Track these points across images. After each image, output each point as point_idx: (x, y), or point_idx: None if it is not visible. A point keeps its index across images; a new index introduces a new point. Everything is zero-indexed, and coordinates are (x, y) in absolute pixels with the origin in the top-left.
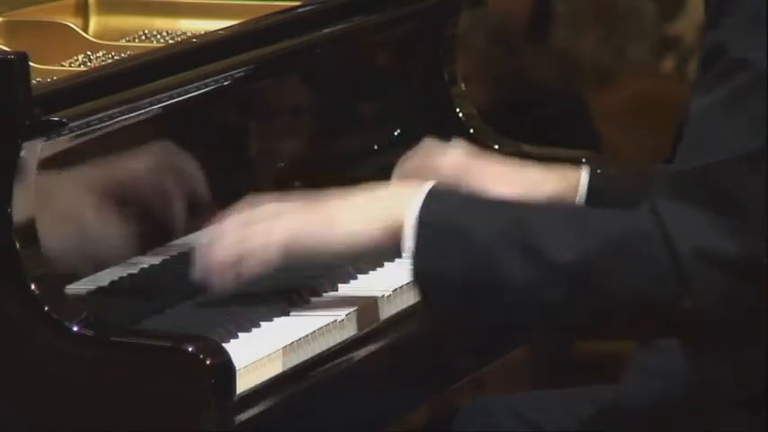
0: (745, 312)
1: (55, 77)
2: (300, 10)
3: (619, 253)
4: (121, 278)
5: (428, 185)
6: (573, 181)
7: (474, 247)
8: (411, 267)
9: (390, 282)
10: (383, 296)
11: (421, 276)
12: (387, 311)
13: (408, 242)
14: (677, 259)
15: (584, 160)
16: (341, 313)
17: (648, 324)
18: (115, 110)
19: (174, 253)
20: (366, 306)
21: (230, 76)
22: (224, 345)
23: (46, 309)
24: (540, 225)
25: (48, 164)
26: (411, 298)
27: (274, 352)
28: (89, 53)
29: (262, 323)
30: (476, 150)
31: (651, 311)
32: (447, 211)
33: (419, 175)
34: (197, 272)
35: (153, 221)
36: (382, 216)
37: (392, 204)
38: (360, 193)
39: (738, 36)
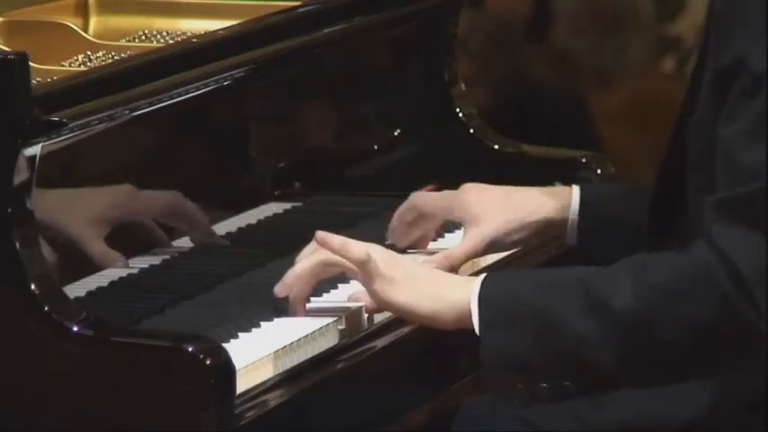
0: None
1: (55, 77)
2: (300, 10)
3: (678, 295)
4: (121, 278)
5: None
6: (564, 201)
7: (539, 314)
8: (481, 348)
9: None
10: None
11: (489, 355)
12: (387, 312)
13: (475, 320)
14: (743, 283)
15: (584, 160)
16: (341, 313)
17: (722, 352)
18: (115, 110)
19: (174, 253)
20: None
21: (230, 76)
22: (224, 345)
23: (46, 309)
24: (599, 280)
25: (48, 164)
26: None
27: (274, 352)
28: (89, 53)
29: (262, 323)
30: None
31: (719, 341)
32: (506, 287)
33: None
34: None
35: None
36: (452, 300)
37: (457, 293)
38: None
39: (755, 48)
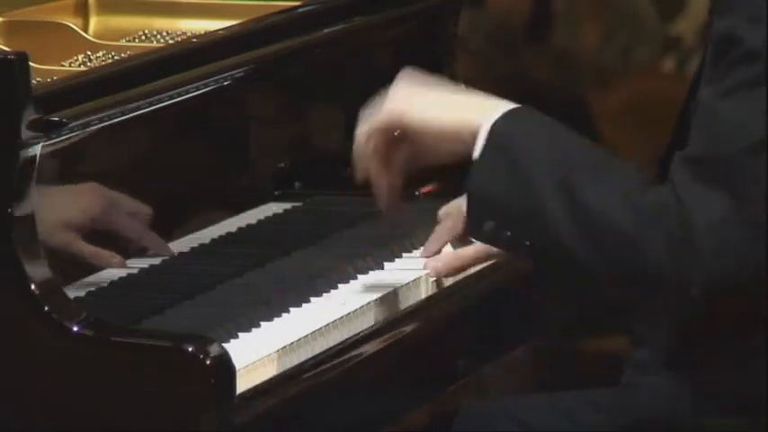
0: (752, 304)
1: (55, 77)
2: (300, 10)
3: (637, 220)
4: (121, 278)
5: (510, 105)
6: None
7: (521, 171)
8: (469, 176)
9: (391, 282)
10: (383, 297)
11: (472, 187)
12: (387, 311)
13: (476, 152)
14: (692, 233)
15: None
16: (341, 313)
17: (652, 302)
18: (115, 110)
19: (174, 253)
20: (366, 306)
21: (230, 76)
22: (224, 345)
23: (46, 309)
24: (583, 162)
25: (48, 164)
26: (410, 299)
27: (274, 352)
28: (89, 53)
29: (262, 323)
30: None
31: (658, 284)
32: (513, 134)
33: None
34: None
35: (152, 222)
36: (468, 120)
37: (479, 113)
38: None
39: (752, 25)
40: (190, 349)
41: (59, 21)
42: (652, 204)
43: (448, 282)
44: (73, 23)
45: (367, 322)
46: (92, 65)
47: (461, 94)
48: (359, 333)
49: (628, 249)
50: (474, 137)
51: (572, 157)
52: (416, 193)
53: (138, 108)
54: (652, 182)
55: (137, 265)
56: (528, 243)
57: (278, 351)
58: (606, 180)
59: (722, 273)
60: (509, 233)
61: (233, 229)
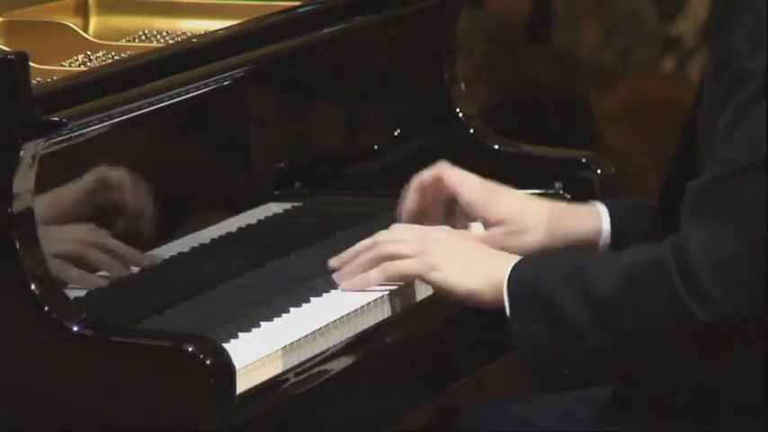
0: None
1: (55, 77)
2: (300, 10)
3: (634, 284)
4: (121, 278)
5: (516, 257)
6: (596, 224)
7: (550, 308)
8: (511, 331)
9: (390, 282)
10: (383, 296)
11: (516, 339)
12: (387, 311)
13: (506, 304)
14: (691, 277)
15: (584, 160)
16: (341, 313)
17: (668, 350)
18: (115, 110)
19: (173, 253)
20: (366, 306)
21: (230, 76)
22: (224, 345)
23: (46, 309)
24: (594, 269)
25: (48, 164)
26: (409, 299)
27: (274, 352)
28: (89, 53)
29: (262, 323)
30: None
31: (668, 335)
32: (528, 277)
33: (437, 197)
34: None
35: (152, 222)
36: (491, 278)
37: (497, 270)
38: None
39: (742, 46)
40: (190, 349)
41: (59, 21)
42: (648, 264)
43: None
44: (73, 23)
45: (367, 322)
46: (92, 65)
47: (484, 257)
48: (359, 333)
49: (638, 322)
50: (497, 294)
51: (577, 265)
52: None
53: (138, 108)
54: (653, 244)
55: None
56: (582, 364)
57: (278, 351)
58: (611, 266)
59: (735, 306)
60: (566, 370)
61: (233, 229)
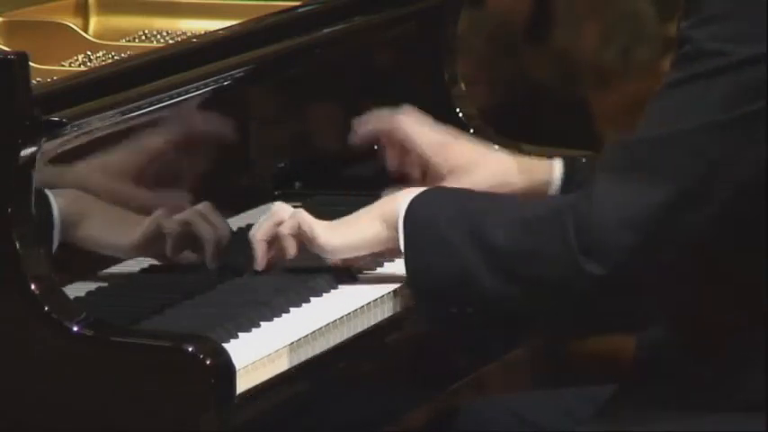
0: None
1: (55, 77)
2: (300, 10)
3: (528, 235)
4: (121, 278)
5: (420, 189)
6: (544, 176)
7: (443, 244)
8: (405, 266)
9: (390, 281)
10: (383, 296)
11: (408, 274)
12: (387, 311)
13: (400, 241)
14: (587, 226)
15: (584, 160)
16: (341, 313)
17: (567, 305)
18: (115, 110)
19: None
20: (366, 306)
21: (230, 76)
22: (224, 345)
23: (46, 309)
24: (493, 215)
25: (48, 164)
26: (409, 299)
27: (274, 352)
28: (89, 53)
29: (262, 323)
30: (444, 129)
31: (562, 290)
32: (425, 211)
33: (394, 144)
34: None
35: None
36: (384, 215)
37: (390, 204)
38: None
39: (700, 31)
40: (190, 349)
41: (59, 21)
42: (546, 213)
43: None
44: (73, 23)
45: (367, 322)
46: (92, 65)
47: (364, 212)
48: (359, 333)
49: (530, 265)
50: (393, 231)
51: (476, 208)
52: None
53: (138, 108)
54: (551, 197)
55: (137, 265)
56: (470, 310)
57: (278, 351)
58: (506, 215)
59: (629, 264)
60: (455, 310)
61: (233, 229)
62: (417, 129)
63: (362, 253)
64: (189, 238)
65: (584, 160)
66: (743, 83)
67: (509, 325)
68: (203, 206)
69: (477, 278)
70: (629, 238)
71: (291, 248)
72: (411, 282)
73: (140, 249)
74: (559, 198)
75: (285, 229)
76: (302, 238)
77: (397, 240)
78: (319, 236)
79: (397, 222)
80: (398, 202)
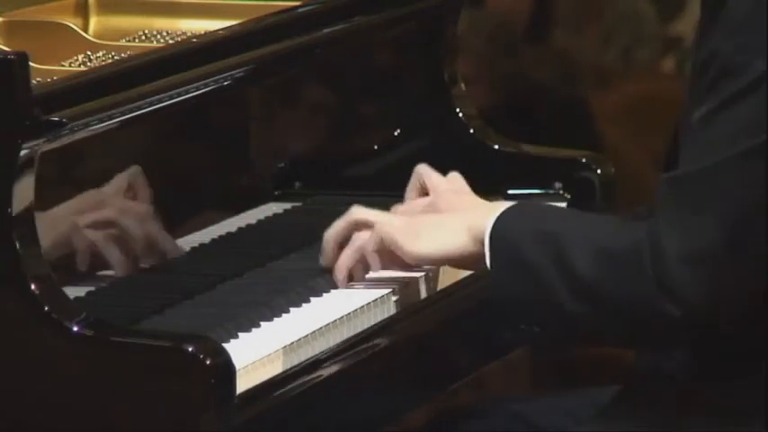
0: (736, 314)
1: (55, 77)
2: (300, 10)
3: (610, 267)
4: (121, 278)
5: (506, 203)
6: None
7: (527, 264)
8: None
9: (390, 281)
10: (383, 296)
11: (494, 291)
12: (387, 311)
13: (487, 257)
14: (663, 265)
15: (584, 160)
16: (341, 313)
17: (643, 335)
18: (115, 110)
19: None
20: (366, 306)
21: (230, 76)
22: (224, 345)
23: (46, 309)
24: (571, 237)
25: (48, 164)
26: (410, 299)
27: (274, 352)
28: (89, 53)
29: (262, 323)
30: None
31: (639, 323)
32: (510, 228)
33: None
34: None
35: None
36: (471, 229)
37: (478, 219)
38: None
39: (728, 43)
40: (190, 349)
41: (59, 21)
42: (624, 251)
43: (448, 282)
44: (73, 23)
45: (367, 322)
46: (92, 65)
47: (449, 220)
48: (359, 333)
49: (613, 304)
50: (479, 246)
51: (560, 230)
52: None
53: (138, 108)
54: (630, 225)
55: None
56: (554, 330)
57: (278, 351)
58: (588, 243)
59: (703, 302)
60: (537, 329)
61: (233, 229)
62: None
63: (444, 263)
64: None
65: (596, 170)
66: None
67: (575, 338)
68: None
69: (558, 300)
70: (695, 275)
71: (377, 265)
72: (495, 296)
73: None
74: (636, 227)
75: (369, 246)
76: (387, 250)
77: (480, 255)
78: (403, 245)
79: (483, 237)
80: (486, 216)
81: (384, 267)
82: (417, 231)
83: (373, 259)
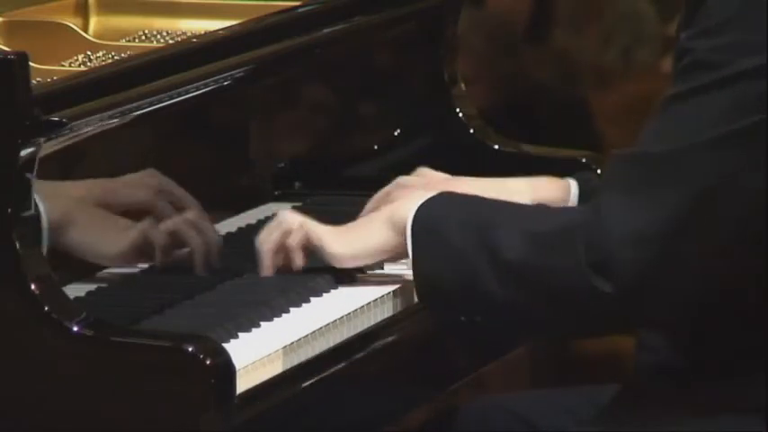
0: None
1: (55, 77)
2: (300, 10)
3: (538, 249)
4: (121, 278)
5: (430, 193)
6: (562, 193)
7: (452, 251)
8: (413, 271)
9: (390, 281)
10: (383, 296)
11: (416, 280)
12: (387, 311)
13: (408, 247)
14: (601, 242)
15: (584, 160)
16: (341, 313)
17: (574, 318)
18: (115, 110)
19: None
20: (366, 306)
21: (230, 76)
22: (224, 345)
23: (46, 309)
24: (504, 227)
25: (48, 164)
26: (410, 299)
27: (274, 352)
28: (89, 53)
29: (262, 323)
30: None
31: (570, 304)
32: (434, 217)
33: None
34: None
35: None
36: (392, 220)
37: (399, 210)
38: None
39: (705, 40)
40: (190, 349)
41: (59, 21)
42: (553, 232)
43: None
44: (73, 23)
45: (367, 322)
46: (92, 65)
47: (373, 218)
48: (359, 333)
49: (542, 285)
50: (401, 236)
51: (486, 216)
52: None
53: (138, 108)
54: (562, 210)
55: (137, 265)
56: (479, 318)
57: (278, 351)
58: (515, 226)
59: (638, 280)
60: (464, 318)
61: (233, 229)
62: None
63: (372, 260)
64: (178, 245)
65: (596, 170)
66: (744, 95)
67: (514, 329)
68: (192, 214)
69: (487, 288)
70: (637, 254)
71: (299, 260)
72: (418, 288)
73: (127, 259)
74: (569, 211)
75: (293, 242)
76: (311, 249)
77: (406, 246)
78: (328, 245)
79: (405, 228)
80: (407, 207)
81: (303, 264)
82: (341, 231)
83: (295, 255)
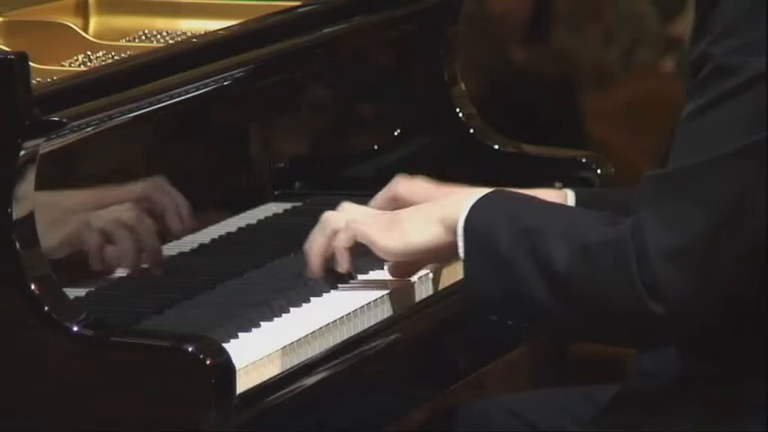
0: (722, 315)
1: (55, 77)
2: (300, 10)
3: (589, 262)
4: (121, 278)
5: (481, 192)
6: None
7: (502, 258)
8: (463, 279)
9: (390, 282)
10: (383, 296)
11: (465, 282)
12: (387, 311)
13: (460, 249)
14: (646, 262)
15: (584, 160)
16: (341, 313)
17: (623, 334)
18: (115, 110)
19: (173, 253)
20: (366, 306)
21: (230, 76)
22: (224, 345)
23: (46, 309)
24: (551, 235)
25: (48, 164)
26: (410, 299)
27: (274, 352)
28: (89, 53)
29: (262, 323)
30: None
31: (619, 321)
32: (485, 219)
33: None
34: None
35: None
36: (443, 219)
37: (450, 209)
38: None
39: (719, 45)
40: (190, 349)
41: (59, 21)
42: (605, 245)
43: (448, 282)
44: (73, 23)
45: (367, 322)
46: (92, 65)
47: (422, 213)
48: (359, 333)
49: (592, 300)
50: (454, 236)
51: (537, 222)
52: None
53: (138, 108)
54: (612, 219)
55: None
56: (527, 325)
57: (278, 351)
58: (566, 236)
59: (685, 297)
60: (510, 322)
61: (233, 229)
62: (414, 188)
63: (420, 257)
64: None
65: (596, 170)
66: (763, 99)
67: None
68: (128, 215)
69: (534, 295)
70: (680, 272)
71: (347, 264)
72: (466, 288)
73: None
74: (618, 222)
75: (341, 243)
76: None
77: (456, 246)
78: (378, 241)
79: (456, 228)
80: (459, 206)
81: (352, 267)
82: (389, 225)
83: (342, 257)
